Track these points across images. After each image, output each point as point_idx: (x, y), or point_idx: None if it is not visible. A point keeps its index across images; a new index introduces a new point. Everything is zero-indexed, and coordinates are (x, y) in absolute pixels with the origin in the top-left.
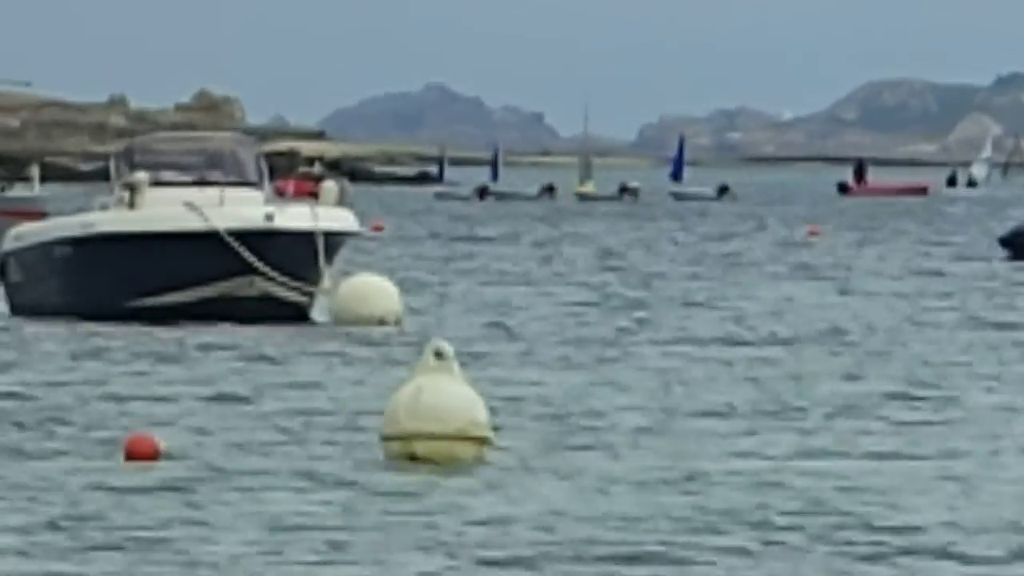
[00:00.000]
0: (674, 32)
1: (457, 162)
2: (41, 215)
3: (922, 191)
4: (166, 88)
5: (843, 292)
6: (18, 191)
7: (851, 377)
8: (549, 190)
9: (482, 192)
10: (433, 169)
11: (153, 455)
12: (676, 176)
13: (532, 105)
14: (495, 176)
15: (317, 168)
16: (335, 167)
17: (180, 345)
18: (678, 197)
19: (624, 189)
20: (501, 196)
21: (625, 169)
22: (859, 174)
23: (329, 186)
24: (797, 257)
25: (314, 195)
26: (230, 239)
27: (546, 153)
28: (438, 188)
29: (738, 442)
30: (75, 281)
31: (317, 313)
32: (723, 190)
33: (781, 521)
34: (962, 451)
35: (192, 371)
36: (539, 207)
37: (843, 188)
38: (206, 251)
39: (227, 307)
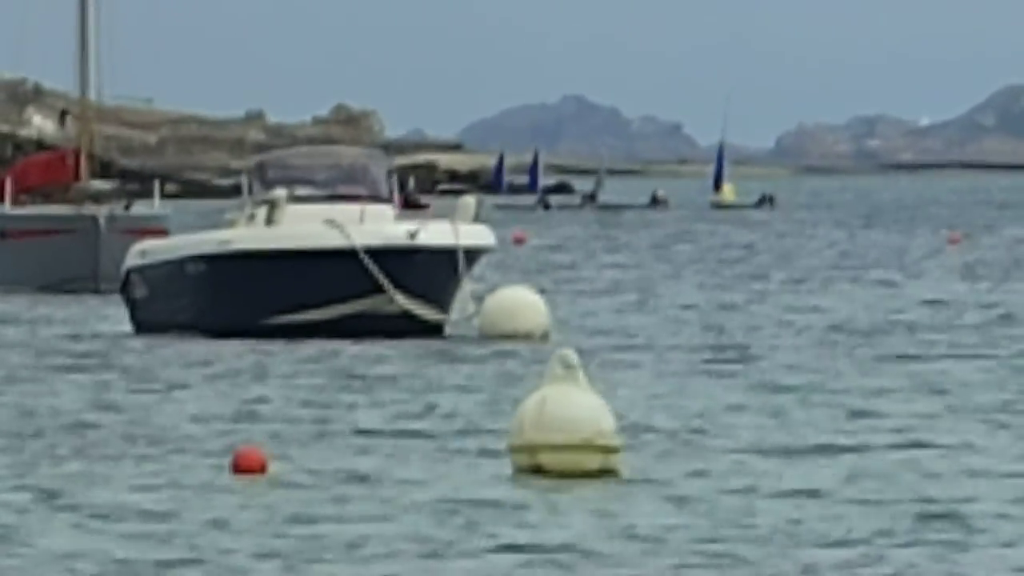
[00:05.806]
0: (811, 40)
1: (592, 172)
2: (163, 232)
3: None
4: (303, 102)
5: None
6: (140, 208)
7: None
8: (591, 198)
9: (546, 203)
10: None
11: (261, 468)
12: (717, 186)
13: (670, 115)
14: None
15: (412, 184)
16: (473, 179)
17: (319, 360)
18: (717, 206)
19: (655, 199)
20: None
21: (763, 179)
22: None
23: (467, 201)
24: None
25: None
26: (373, 257)
27: (684, 162)
28: (497, 199)
29: None
30: (209, 298)
31: (460, 328)
32: (763, 200)
33: None
34: None
35: (337, 385)
36: (583, 215)
37: None
38: (349, 268)
39: (366, 324)
